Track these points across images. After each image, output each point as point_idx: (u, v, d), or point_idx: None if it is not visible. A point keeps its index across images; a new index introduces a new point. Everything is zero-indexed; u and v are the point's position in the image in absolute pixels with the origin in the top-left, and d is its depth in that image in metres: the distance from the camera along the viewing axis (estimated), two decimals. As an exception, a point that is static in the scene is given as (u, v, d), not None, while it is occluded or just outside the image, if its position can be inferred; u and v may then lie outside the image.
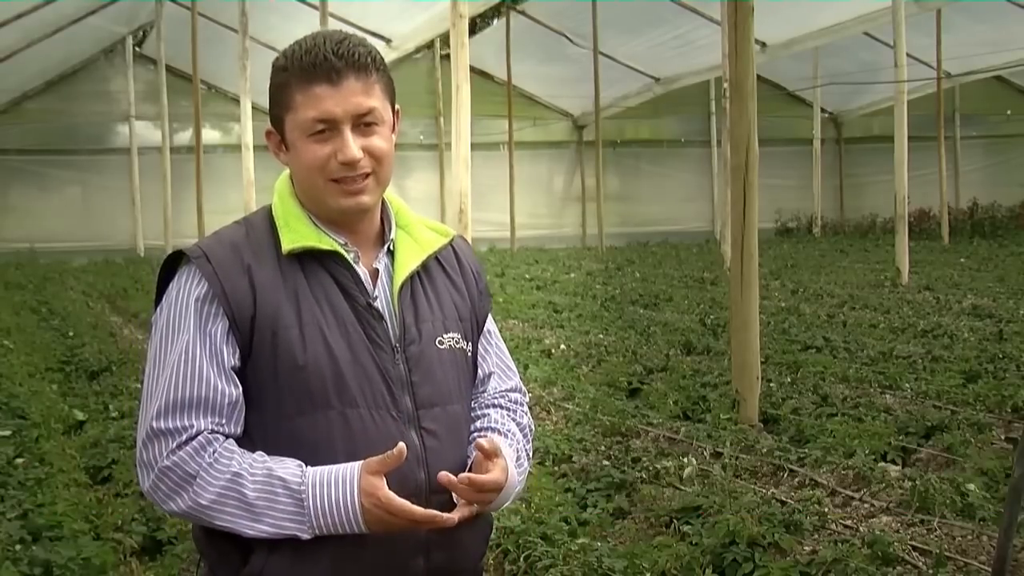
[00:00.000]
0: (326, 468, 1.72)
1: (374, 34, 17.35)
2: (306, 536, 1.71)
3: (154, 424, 1.73)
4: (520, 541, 4.21)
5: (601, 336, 9.57)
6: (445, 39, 14.26)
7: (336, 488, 1.70)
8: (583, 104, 22.30)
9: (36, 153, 20.67)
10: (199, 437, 1.73)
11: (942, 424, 5.86)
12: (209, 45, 18.13)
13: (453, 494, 1.80)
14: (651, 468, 5.26)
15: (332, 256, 1.84)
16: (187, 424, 1.73)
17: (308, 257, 1.82)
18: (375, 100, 1.81)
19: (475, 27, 20.77)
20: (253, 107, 14.60)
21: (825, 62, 21.18)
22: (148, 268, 17.43)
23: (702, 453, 5.61)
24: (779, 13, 15.65)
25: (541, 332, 10.13)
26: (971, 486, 4.65)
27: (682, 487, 5.05)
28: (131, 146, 20.97)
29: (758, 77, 7.52)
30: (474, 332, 1.97)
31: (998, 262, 15.60)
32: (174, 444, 1.72)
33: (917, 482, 4.72)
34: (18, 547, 4.08)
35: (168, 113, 20.10)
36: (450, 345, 1.90)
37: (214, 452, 1.72)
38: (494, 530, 4.25)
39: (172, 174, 19.81)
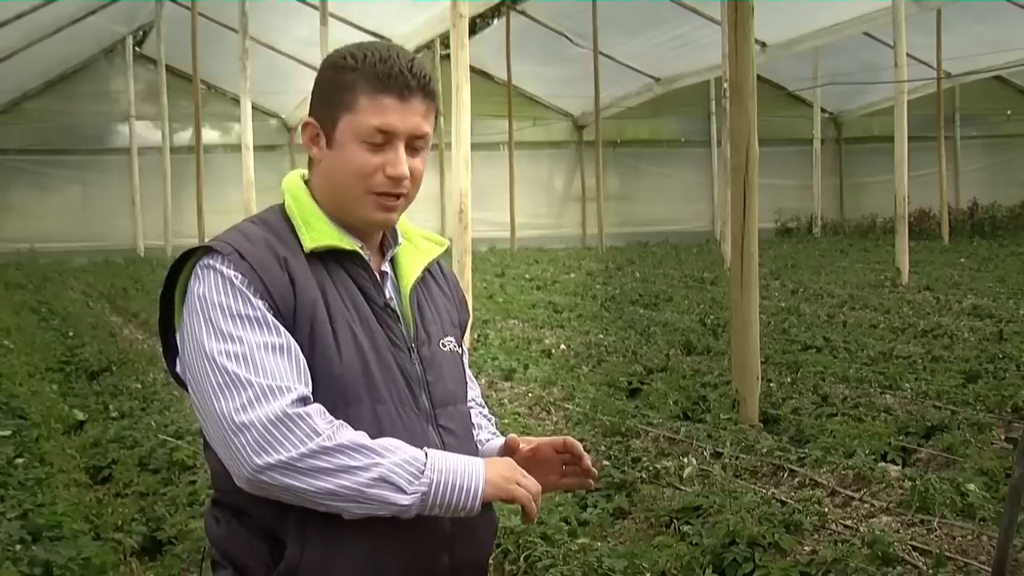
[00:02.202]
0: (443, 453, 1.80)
1: (374, 34, 17.34)
2: (406, 500, 1.69)
3: (263, 381, 1.68)
4: (520, 541, 4.21)
5: (601, 336, 9.58)
6: (445, 39, 14.26)
7: (455, 455, 1.77)
8: (583, 104, 22.31)
9: (36, 153, 20.69)
10: (317, 404, 1.71)
11: (942, 424, 5.86)
12: (209, 45, 18.12)
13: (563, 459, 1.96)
14: (651, 468, 5.26)
15: (351, 257, 1.86)
16: (289, 385, 1.70)
17: (329, 257, 1.84)
18: (429, 126, 1.86)
19: (475, 27, 20.77)
20: (253, 107, 14.61)
21: (825, 62, 21.18)
22: (148, 268, 17.44)
23: (702, 453, 5.61)
24: (779, 13, 15.65)
25: (541, 332, 10.13)
26: (971, 486, 4.65)
27: (682, 487, 5.06)
28: (131, 146, 20.98)
29: (758, 77, 7.52)
30: (461, 338, 2.04)
31: (998, 262, 15.60)
32: (294, 398, 1.69)
33: (917, 482, 4.71)
34: (18, 547, 4.08)
35: (168, 113, 20.12)
36: (450, 348, 1.96)
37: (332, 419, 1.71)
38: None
39: (172, 174, 19.83)
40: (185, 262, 1.82)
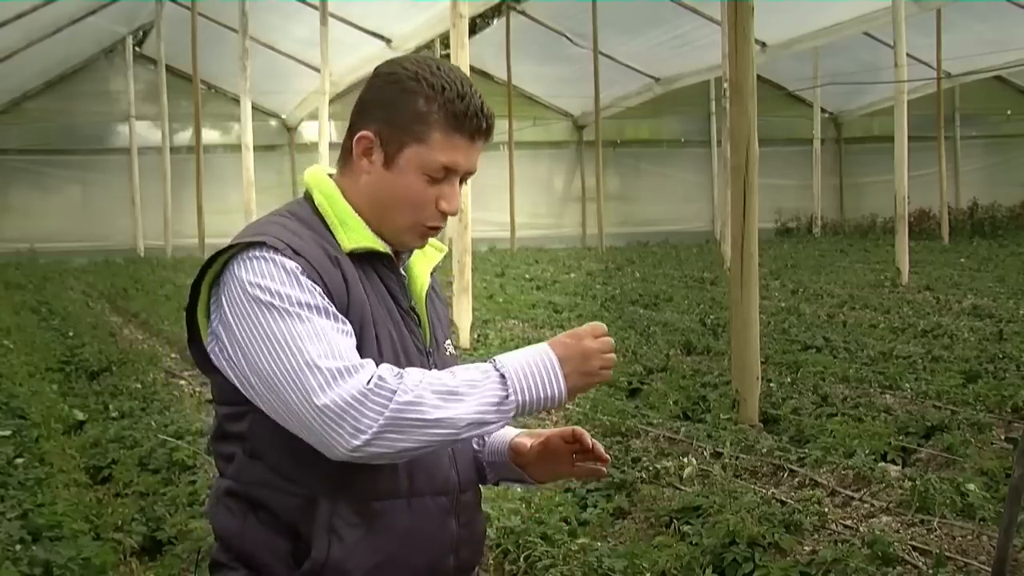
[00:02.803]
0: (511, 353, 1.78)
1: (374, 34, 17.37)
2: (504, 412, 1.68)
3: (337, 363, 1.66)
4: (520, 541, 4.21)
5: (601, 336, 9.56)
6: (445, 39, 14.26)
7: (523, 352, 1.73)
8: (583, 104, 22.31)
9: (36, 153, 20.69)
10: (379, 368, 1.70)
11: (942, 424, 5.86)
12: (209, 45, 18.14)
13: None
14: (651, 468, 5.25)
15: (383, 260, 1.87)
16: (363, 363, 1.69)
17: (364, 258, 1.84)
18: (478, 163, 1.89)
19: (475, 27, 20.77)
20: (253, 107, 14.61)
21: (825, 62, 21.19)
22: (148, 268, 17.45)
23: (702, 453, 5.61)
24: (779, 13, 15.65)
25: (541, 332, 10.12)
26: (971, 486, 4.65)
27: (682, 487, 5.05)
28: (131, 146, 20.98)
29: (758, 77, 7.52)
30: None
31: (998, 262, 15.60)
32: (366, 377, 1.67)
33: (917, 482, 4.71)
34: (18, 547, 4.07)
35: (168, 113, 20.13)
36: (451, 352, 2.00)
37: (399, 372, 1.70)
38: (495, 530, 4.29)
39: (172, 174, 19.83)
40: (222, 254, 1.78)
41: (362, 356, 1.73)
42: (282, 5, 17.75)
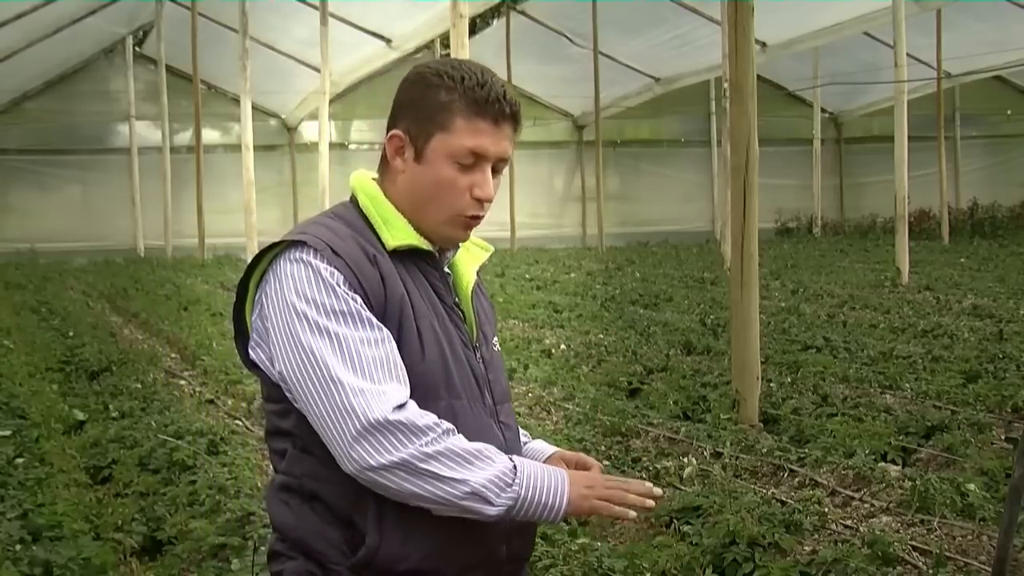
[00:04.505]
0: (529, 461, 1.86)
1: (374, 34, 17.37)
2: (493, 511, 1.75)
3: (363, 385, 1.74)
4: (520, 541, 4.21)
5: (601, 336, 9.58)
6: (445, 39, 14.26)
7: (542, 467, 1.83)
8: (583, 104, 22.30)
9: (36, 153, 20.67)
10: (412, 401, 1.77)
11: (942, 424, 5.86)
12: (209, 45, 18.14)
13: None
14: (651, 468, 5.26)
15: (426, 257, 1.92)
16: (389, 388, 1.76)
17: (408, 256, 1.90)
18: (511, 149, 1.92)
19: (475, 27, 20.76)
20: (253, 107, 14.60)
21: (825, 62, 21.18)
22: (148, 268, 17.44)
23: (702, 453, 5.61)
24: (779, 13, 15.65)
25: (541, 332, 10.13)
26: (971, 486, 4.65)
27: (682, 487, 5.05)
28: (131, 146, 20.96)
29: (758, 77, 7.52)
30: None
31: (998, 262, 15.60)
32: (395, 404, 1.74)
33: (917, 482, 4.71)
34: (18, 547, 4.07)
35: (168, 113, 20.12)
36: (498, 349, 2.06)
37: (434, 418, 1.77)
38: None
39: (172, 174, 19.83)
40: (269, 252, 1.87)
41: (403, 349, 1.81)
42: (282, 5, 17.75)
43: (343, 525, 1.81)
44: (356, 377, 1.74)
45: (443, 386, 1.85)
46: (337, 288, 1.78)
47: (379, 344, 1.78)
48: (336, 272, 1.79)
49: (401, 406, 1.74)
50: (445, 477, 1.73)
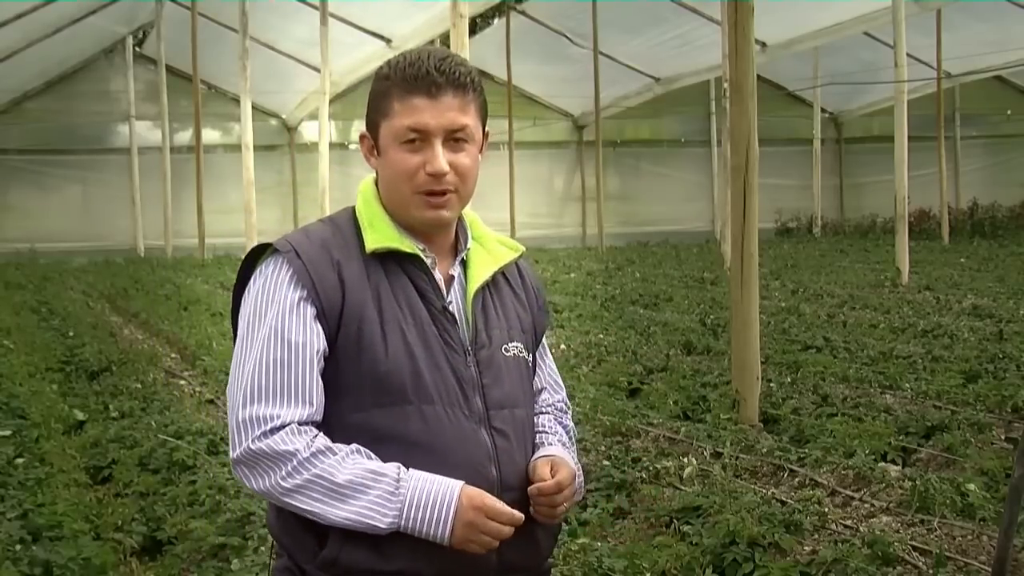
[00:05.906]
0: (425, 473, 1.80)
1: (374, 34, 17.37)
2: (383, 526, 1.76)
3: (241, 412, 1.80)
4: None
5: (601, 336, 9.57)
6: (445, 39, 14.24)
7: (436, 485, 1.78)
8: (583, 104, 22.30)
9: (36, 153, 20.68)
10: (289, 427, 1.79)
11: (942, 424, 5.86)
12: (209, 45, 18.13)
13: (528, 491, 1.91)
14: (651, 468, 5.25)
15: (411, 259, 1.92)
16: (275, 414, 1.79)
17: (389, 258, 1.90)
18: (469, 118, 1.88)
19: (475, 27, 20.77)
20: (253, 107, 14.59)
21: (825, 62, 21.19)
22: (148, 268, 17.44)
23: (702, 453, 5.60)
24: (779, 13, 15.65)
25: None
26: (971, 486, 4.65)
27: (682, 487, 5.05)
28: (131, 146, 20.97)
29: (758, 77, 7.52)
30: (533, 345, 2.08)
31: (998, 262, 15.60)
32: (261, 431, 1.78)
33: (917, 482, 4.71)
34: (18, 547, 4.07)
35: (168, 113, 20.13)
36: (515, 353, 1.99)
37: (311, 442, 1.78)
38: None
39: (172, 174, 19.83)
40: (257, 257, 1.93)
41: (362, 354, 1.82)
42: (282, 5, 17.75)
43: (314, 532, 1.83)
44: (244, 396, 1.81)
45: (410, 390, 1.83)
46: (280, 285, 1.84)
47: (301, 349, 1.82)
48: (293, 273, 1.84)
49: (273, 430, 1.78)
50: (312, 512, 1.77)
